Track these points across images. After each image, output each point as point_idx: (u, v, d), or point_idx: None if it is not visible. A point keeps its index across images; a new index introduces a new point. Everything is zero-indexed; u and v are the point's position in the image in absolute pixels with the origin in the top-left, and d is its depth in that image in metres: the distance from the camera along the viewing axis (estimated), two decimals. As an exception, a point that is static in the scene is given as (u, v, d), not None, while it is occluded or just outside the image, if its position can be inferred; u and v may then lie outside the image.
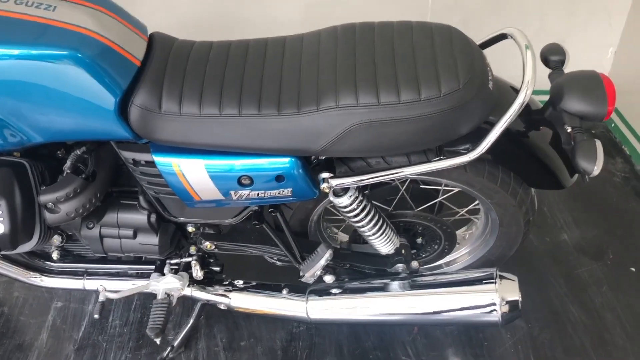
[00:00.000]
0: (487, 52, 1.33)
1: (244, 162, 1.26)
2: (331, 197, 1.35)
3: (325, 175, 1.29)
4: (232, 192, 1.31)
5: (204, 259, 1.61)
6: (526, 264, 2.00)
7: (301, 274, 1.47)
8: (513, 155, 1.38)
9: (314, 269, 1.43)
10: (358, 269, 1.59)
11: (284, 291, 1.55)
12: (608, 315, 1.84)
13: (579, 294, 1.90)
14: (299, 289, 1.54)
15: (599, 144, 1.19)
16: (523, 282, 1.91)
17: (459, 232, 1.78)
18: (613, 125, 2.61)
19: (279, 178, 1.28)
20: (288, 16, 2.39)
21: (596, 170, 1.17)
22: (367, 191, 1.63)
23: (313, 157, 1.32)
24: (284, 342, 1.78)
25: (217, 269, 1.64)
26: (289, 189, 1.31)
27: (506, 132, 1.35)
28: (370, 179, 1.28)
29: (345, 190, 1.34)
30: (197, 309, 1.76)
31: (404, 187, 1.58)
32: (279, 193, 1.32)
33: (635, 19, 2.44)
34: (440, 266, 1.78)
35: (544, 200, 2.24)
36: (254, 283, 1.62)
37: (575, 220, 2.16)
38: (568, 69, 1.34)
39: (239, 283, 1.63)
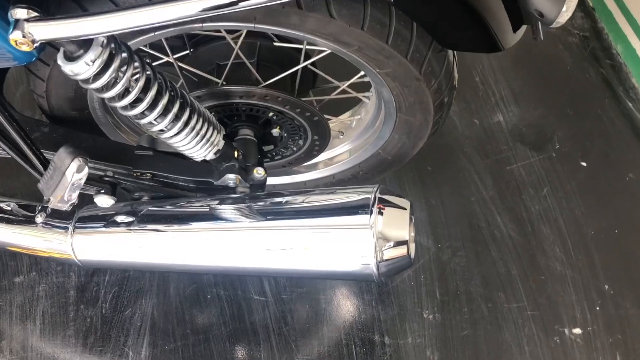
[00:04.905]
0: None
1: None
2: (59, 61, 0.70)
3: (18, 13, 0.62)
4: None
5: None
6: (443, 157, 1.45)
7: (45, 197, 0.85)
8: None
9: (58, 189, 0.81)
10: (167, 183, 0.98)
11: (40, 217, 0.94)
12: (546, 229, 1.35)
13: (510, 199, 1.39)
14: (65, 213, 0.93)
15: None
16: (436, 184, 1.41)
17: (342, 118, 1.18)
18: (576, -34, 1.96)
19: None
20: None
21: (565, 13, 0.60)
22: (190, 51, 1.00)
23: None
24: (82, 277, 1.21)
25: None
26: (-37, 45, 0.65)
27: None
28: (114, 27, 0.62)
29: (84, 47, 0.68)
30: None
31: (239, 44, 0.93)
32: (-54, 53, 0.66)
33: None
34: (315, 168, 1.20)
35: (475, 66, 1.64)
36: (8, 203, 1.00)
37: (515, 95, 1.60)
38: None
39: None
